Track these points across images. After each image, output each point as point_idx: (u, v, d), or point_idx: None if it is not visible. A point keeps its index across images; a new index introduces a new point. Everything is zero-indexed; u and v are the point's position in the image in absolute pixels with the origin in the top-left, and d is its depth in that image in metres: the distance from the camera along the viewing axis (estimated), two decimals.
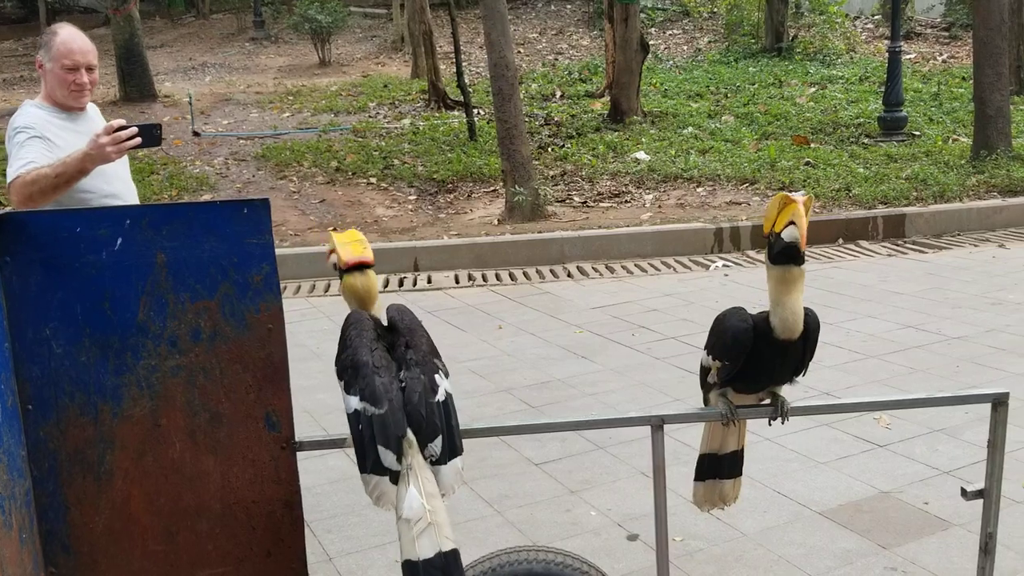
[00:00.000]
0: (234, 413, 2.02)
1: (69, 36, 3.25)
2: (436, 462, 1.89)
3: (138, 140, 3.05)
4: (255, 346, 2.01)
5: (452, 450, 1.91)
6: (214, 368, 2.01)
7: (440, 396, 1.93)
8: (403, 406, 1.88)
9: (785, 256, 2.04)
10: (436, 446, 1.89)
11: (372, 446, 1.85)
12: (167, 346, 1.99)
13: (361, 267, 2.06)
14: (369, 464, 1.85)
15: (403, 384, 1.92)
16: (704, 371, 2.28)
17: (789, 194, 2.07)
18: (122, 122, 3.05)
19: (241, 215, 1.98)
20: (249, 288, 2.00)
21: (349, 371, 1.94)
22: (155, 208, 2.06)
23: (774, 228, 2.07)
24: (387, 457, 1.84)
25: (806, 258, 2.09)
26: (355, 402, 1.90)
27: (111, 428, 2.00)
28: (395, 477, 1.85)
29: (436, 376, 1.96)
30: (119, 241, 1.96)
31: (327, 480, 3.93)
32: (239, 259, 1.98)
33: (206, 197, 9.35)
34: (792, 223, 2.03)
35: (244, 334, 2.01)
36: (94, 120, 3.42)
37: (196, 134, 11.82)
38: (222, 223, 1.97)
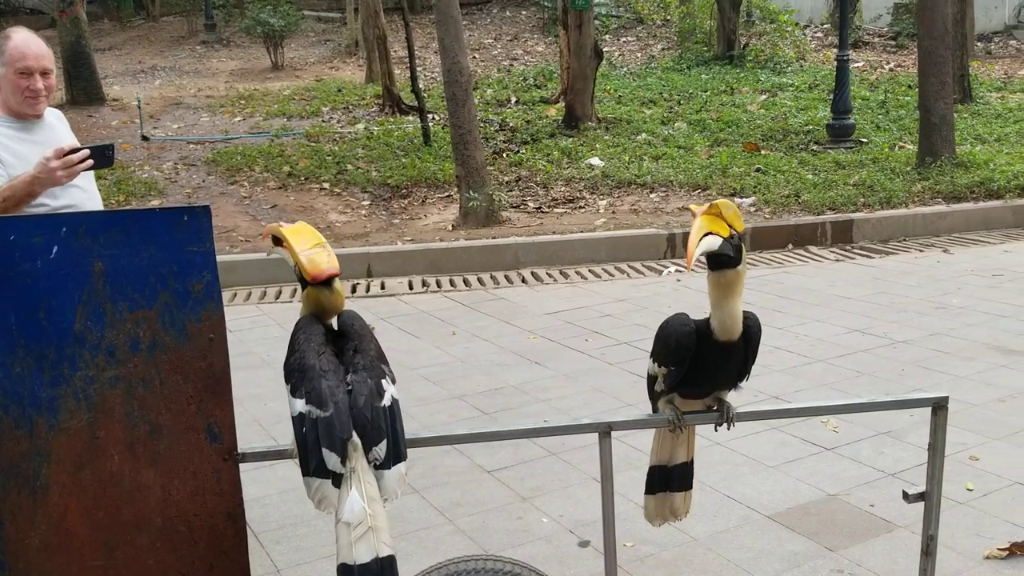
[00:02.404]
0: (174, 424, 1.98)
1: (23, 40, 3.13)
2: (380, 466, 1.88)
3: (90, 163, 2.97)
4: (196, 356, 1.98)
5: (396, 455, 1.91)
6: (154, 379, 1.97)
7: (386, 401, 1.93)
8: (349, 409, 1.88)
9: (717, 261, 2.07)
10: (380, 450, 1.88)
11: (316, 449, 1.84)
12: (105, 356, 1.95)
13: (329, 281, 2.01)
14: (312, 467, 1.85)
15: (350, 388, 1.92)
16: (651, 379, 2.30)
17: (691, 206, 2.12)
18: (73, 144, 2.97)
19: (181, 222, 1.94)
20: (190, 297, 1.96)
21: (296, 374, 1.94)
22: (92, 216, 2.01)
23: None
24: (331, 459, 1.84)
25: (747, 263, 2.12)
26: (300, 405, 1.89)
27: (47, 441, 1.95)
28: (338, 480, 1.85)
29: (383, 381, 1.96)
30: (55, 249, 1.91)
31: (276, 490, 3.88)
32: (179, 267, 1.95)
33: (155, 203, 9.20)
34: (708, 233, 2.05)
35: (184, 344, 1.97)
36: (55, 128, 3.29)
37: (145, 138, 11.63)
38: (161, 230, 1.94)
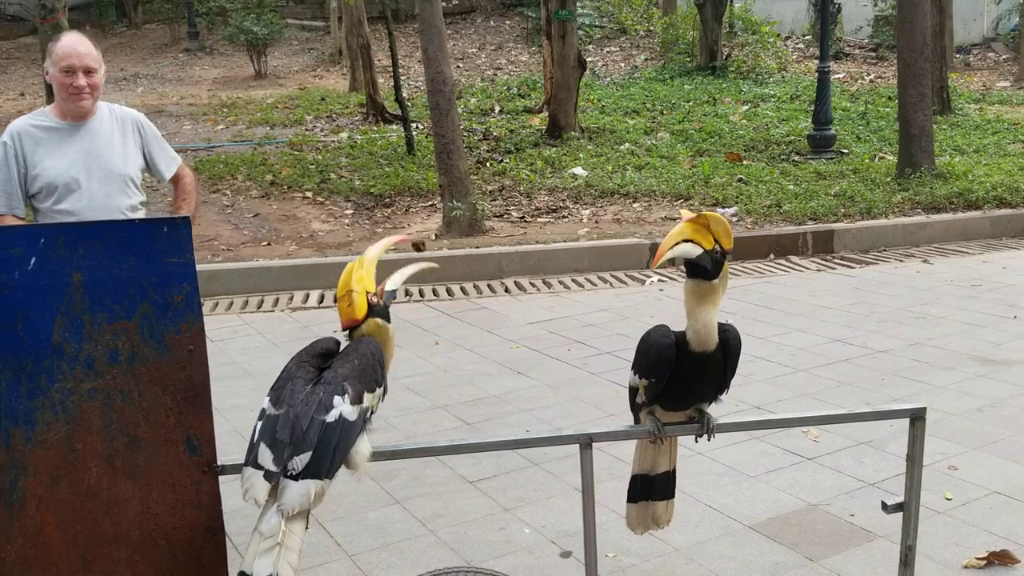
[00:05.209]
0: (153, 437, 1.97)
1: (69, 41, 3.31)
2: (293, 476, 1.87)
3: None
4: (175, 368, 1.97)
5: (315, 472, 1.88)
6: (132, 391, 1.96)
7: (331, 417, 1.92)
8: (294, 417, 1.92)
9: (694, 270, 2.09)
10: (300, 461, 1.88)
11: (258, 441, 1.90)
12: (83, 368, 1.93)
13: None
14: (251, 458, 1.89)
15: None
16: (632, 391, 2.31)
17: (682, 211, 2.13)
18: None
19: (161, 233, 1.94)
20: (169, 308, 1.95)
21: (280, 375, 2.03)
22: (71, 227, 2.00)
23: None
24: (263, 454, 1.88)
25: (728, 275, 2.13)
26: (266, 401, 1.97)
27: (24, 453, 1.93)
28: (270, 476, 1.87)
29: (337, 397, 1.95)
30: (33, 260, 1.90)
31: None
32: (159, 279, 1.94)
33: None
34: (688, 240, 2.06)
35: (164, 356, 1.96)
36: (100, 134, 3.39)
37: None
38: (141, 242, 1.93)
